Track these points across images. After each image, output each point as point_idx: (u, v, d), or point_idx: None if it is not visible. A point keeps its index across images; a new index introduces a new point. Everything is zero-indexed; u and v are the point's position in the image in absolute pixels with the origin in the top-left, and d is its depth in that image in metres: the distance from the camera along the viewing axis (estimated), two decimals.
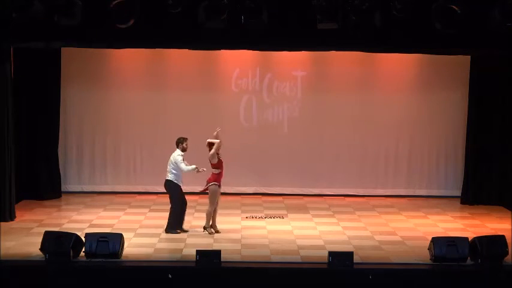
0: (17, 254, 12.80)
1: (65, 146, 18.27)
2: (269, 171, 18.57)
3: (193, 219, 15.52)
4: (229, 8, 12.59)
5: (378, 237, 14.41)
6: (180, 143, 14.41)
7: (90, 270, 12.10)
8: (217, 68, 18.39)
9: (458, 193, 18.15)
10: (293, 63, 18.24)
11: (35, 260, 12.40)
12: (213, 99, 18.43)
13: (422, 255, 12.90)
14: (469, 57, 17.40)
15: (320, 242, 13.98)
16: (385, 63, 18.24)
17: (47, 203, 17.16)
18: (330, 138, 18.56)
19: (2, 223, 14.30)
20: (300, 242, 13.97)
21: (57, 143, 17.82)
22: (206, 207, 14.56)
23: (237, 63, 18.32)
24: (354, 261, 12.21)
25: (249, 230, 14.90)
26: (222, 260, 12.16)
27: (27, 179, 17.18)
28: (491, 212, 17.03)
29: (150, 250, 13.25)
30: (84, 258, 12.32)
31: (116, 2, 12.49)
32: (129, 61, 18.19)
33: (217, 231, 14.41)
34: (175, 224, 14.37)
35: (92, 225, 14.93)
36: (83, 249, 12.35)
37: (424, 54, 17.41)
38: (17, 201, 16.11)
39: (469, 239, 12.69)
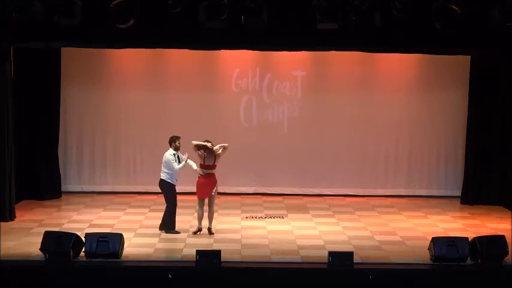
0: (17, 254, 12.80)
1: (65, 146, 18.27)
2: (269, 171, 18.57)
3: (193, 219, 15.51)
4: (229, 8, 12.59)
5: (377, 237, 14.41)
6: (173, 141, 14.41)
7: (90, 270, 12.10)
8: (217, 68, 18.39)
9: (458, 193, 18.15)
10: (293, 63, 18.24)
11: (35, 260, 12.40)
12: (213, 99, 18.43)
13: (422, 255, 12.90)
14: (469, 57, 17.40)
15: (320, 242, 13.98)
16: (385, 63, 18.23)
17: (47, 203, 17.16)
18: (330, 138, 18.56)
19: (2, 223, 14.30)
20: (300, 242, 13.97)
21: (57, 143, 17.82)
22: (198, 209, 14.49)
23: (237, 63, 18.32)
24: (354, 261, 12.21)
25: (249, 230, 14.90)
26: (222, 260, 12.17)
27: (27, 179, 17.18)
28: (491, 212, 17.03)
29: (150, 250, 13.25)
30: (84, 258, 12.33)
31: (116, 2, 12.49)
32: (129, 61, 18.19)
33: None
34: (172, 224, 14.37)
35: (92, 225, 14.93)
36: (83, 249, 12.36)
37: (424, 54, 17.41)
38: (17, 201, 16.11)
39: (469, 239, 12.69)
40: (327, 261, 12.23)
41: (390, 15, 12.78)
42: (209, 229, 14.40)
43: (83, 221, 15.39)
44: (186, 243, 13.67)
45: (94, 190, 18.42)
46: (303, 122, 18.53)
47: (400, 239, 14.37)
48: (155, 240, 13.93)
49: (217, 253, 12.24)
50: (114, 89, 18.34)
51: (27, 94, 17.16)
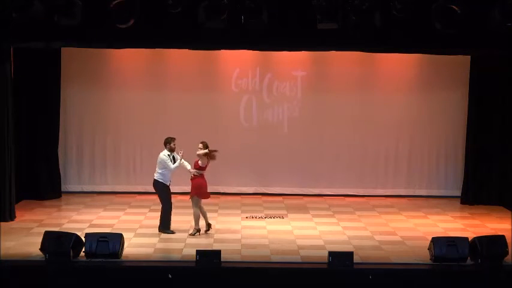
0: (17, 254, 12.80)
1: (65, 146, 18.27)
2: (269, 171, 18.57)
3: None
4: (229, 8, 12.59)
5: (377, 237, 14.41)
6: (168, 143, 14.42)
7: (90, 270, 12.10)
8: (217, 68, 18.39)
9: (458, 193, 18.15)
10: (293, 63, 18.24)
11: (35, 260, 12.40)
12: (213, 99, 18.43)
13: (422, 255, 12.90)
14: (469, 57, 17.40)
15: (320, 242, 13.98)
16: (385, 63, 18.23)
17: (47, 203, 17.16)
18: (330, 138, 18.56)
19: (2, 223, 14.31)
20: (300, 242, 13.97)
21: (57, 143, 17.82)
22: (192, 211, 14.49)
23: (237, 63, 18.31)
24: (354, 261, 12.21)
25: (249, 230, 14.90)
26: (222, 260, 12.17)
27: (27, 179, 17.18)
28: (491, 212, 17.03)
29: (150, 250, 13.25)
30: (84, 258, 12.33)
31: (116, 2, 12.49)
32: (129, 61, 18.19)
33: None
34: (167, 224, 14.39)
35: (92, 225, 14.93)
36: (83, 249, 12.36)
37: (424, 54, 17.42)
38: (17, 201, 16.11)
39: (469, 239, 12.69)
40: (327, 261, 12.23)
41: (390, 15, 12.78)
42: (210, 224, 14.40)
43: (83, 221, 15.40)
44: (186, 243, 13.67)
45: (94, 190, 18.42)
46: (303, 122, 18.53)
47: (400, 239, 14.37)
48: (155, 240, 13.93)
49: (217, 253, 12.24)
50: (114, 89, 18.34)
51: (27, 94, 17.16)
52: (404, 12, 12.68)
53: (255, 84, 18.49)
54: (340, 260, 12.18)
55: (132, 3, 12.57)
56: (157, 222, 14.54)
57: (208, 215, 16.01)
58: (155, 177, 14.41)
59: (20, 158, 16.72)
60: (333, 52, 16.21)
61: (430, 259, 12.60)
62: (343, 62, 18.14)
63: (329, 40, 13.45)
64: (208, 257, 12.16)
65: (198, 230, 14.27)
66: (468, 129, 17.92)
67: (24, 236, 13.98)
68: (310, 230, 15.10)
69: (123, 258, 12.53)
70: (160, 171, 14.36)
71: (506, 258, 12.54)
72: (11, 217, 15.22)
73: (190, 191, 14.36)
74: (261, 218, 16.04)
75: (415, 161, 18.61)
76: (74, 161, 18.44)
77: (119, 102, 18.33)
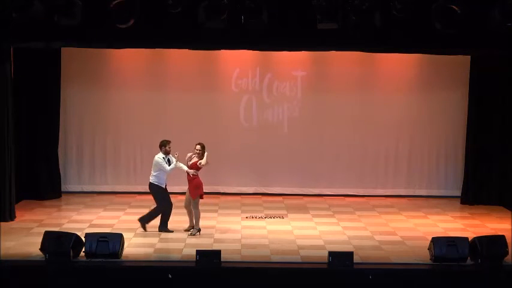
0: (17, 254, 12.80)
1: (65, 146, 18.27)
2: (269, 171, 18.57)
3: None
4: (229, 8, 12.59)
5: (378, 237, 14.41)
6: (163, 145, 14.43)
7: (90, 270, 12.10)
8: (217, 68, 18.39)
9: (458, 193, 18.15)
10: (293, 63, 18.24)
11: (35, 260, 12.40)
12: (213, 99, 18.42)
13: (422, 255, 12.90)
14: (469, 57, 17.40)
15: (320, 242, 13.98)
16: (385, 63, 18.23)
17: (47, 203, 17.16)
18: (330, 138, 18.56)
19: (2, 223, 14.31)
20: (300, 242, 13.97)
21: (57, 143, 17.82)
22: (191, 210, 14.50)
23: (237, 63, 18.31)
24: (354, 261, 12.21)
25: (249, 230, 14.90)
26: (222, 260, 12.17)
27: (27, 179, 17.18)
28: (491, 212, 17.03)
29: (150, 250, 13.25)
30: (84, 258, 12.33)
31: (116, 2, 12.49)
32: (129, 61, 18.18)
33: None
34: (148, 221, 14.43)
35: (92, 225, 14.93)
36: (83, 249, 12.35)
37: (424, 54, 17.41)
38: (17, 201, 16.11)
39: (469, 239, 12.69)
40: (327, 261, 12.23)
41: (390, 15, 12.78)
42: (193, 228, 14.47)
43: (83, 221, 15.40)
44: (186, 243, 13.67)
45: (94, 190, 18.42)
46: (303, 122, 18.53)
47: (400, 239, 14.37)
48: (155, 240, 13.93)
49: (217, 253, 12.24)
50: (114, 89, 18.34)
51: (27, 94, 17.15)
52: (404, 12, 12.68)
53: (255, 84, 18.49)
54: (340, 260, 12.18)
55: (132, 3, 12.56)
56: (157, 222, 14.54)
57: (208, 215, 16.07)
58: (150, 180, 14.46)
59: (20, 158, 16.72)
60: (333, 52, 16.21)
61: (430, 259, 12.60)
62: (343, 62, 18.14)
63: (329, 40, 13.44)
64: (208, 257, 12.15)
65: (199, 230, 14.27)
66: (468, 129, 17.92)
67: (24, 236, 13.98)
68: (310, 230, 15.10)
69: (123, 258, 12.53)
70: (155, 173, 14.40)
71: (506, 258, 12.54)
72: (11, 217, 15.22)
73: (190, 191, 14.34)
74: (261, 218, 16.04)
75: (415, 161, 18.61)
76: (74, 161, 18.44)
77: (119, 102, 18.32)
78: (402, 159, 18.61)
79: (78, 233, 12.75)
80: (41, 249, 12.33)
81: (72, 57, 17.66)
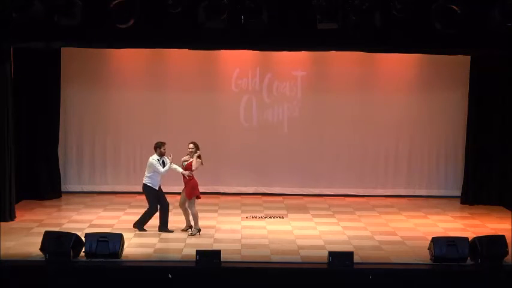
0: (17, 254, 12.80)
1: (65, 146, 18.27)
2: (269, 171, 18.57)
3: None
4: (229, 8, 12.59)
5: (378, 237, 14.41)
6: (158, 147, 14.45)
7: (90, 270, 12.10)
8: (217, 68, 18.39)
9: (458, 193, 18.15)
10: (293, 63, 18.24)
11: (35, 260, 12.40)
12: (213, 99, 18.42)
13: (422, 255, 12.90)
14: (469, 57, 17.40)
15: (320, 242, 13.98)
16: (385, 63, 18.23)
17: (47, 203, 17.16)
18: (330, 138, 18.56)
19: (2, 223, 14.30)
20: (300, 242, 13.97)
21: (57, 143, 17.82)
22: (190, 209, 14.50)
23: (237, 63, 18.31)
24: (354, 261, 12.21)
25: (249, 230, 14.90)
26: (222, 260, 12.17)
27: (27, 179, 17.18)
28: (491, 212, 17.03)
29: (150, 250, 13.25)
30: (84, 258, 12.33)
31: (116, 2, 12.48)
32: (129, 61, 18.19)
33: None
34: (144, 222, 14.42)
35: (92, 225, 14.93)
36: (83, 249, 12.35)
37: (424, 54, 17.41)
38: (17, 201, 16.11)
39: (469, 239, 12.69)
40: (327, 261, 12.23)
41: (390, 15, 12.77)
42: (191, 226, 14.46)
43: (83, 221, 15.40)
44: (186, 243, 13.67)
45: (94, 190, 18.42)
46: (303, 122, 18.53)
47: (400, 239, 14.37)
48: (155, 240, 13.92)
49: (217, 253, 12.24)
50: (114, 89, 18.34)
51: (27, 94, 17.15)
52: (404, 12, 12.68)
53: (255, 84, 18.49)
54: (340, 260, 12.18)
55: (132, 3, 12.56)
56: (157, 222, 14.54)
57: (209, 215, 16.08)
58: (144, 181, 14.50)
59: (20, 158, 16.72)
60: (333, 52, 16.22)
61: (430, 259, 12.59)
62: (343, 62, 18.14)
63: (329, 40, 13.44)
64: (208, 257, 12.15)
65: (199, 230, 14.27)
66: (468, 129, 17.92)
67: (24, 236, 13.98)
68: (310, 230, 15.10)
69: (123, 258, 12.53)
70: (149, 174, 14.43)
71: (506, 258, 12.54)
72: (11, 217, 15.22)
73: (186, 192, 14.33)
74: (261, 218, 16.04)
75: (415, 161, 18.61)
76: (74, 161, 18.44)
77: (119, 102, 18.33)
78: (402, 159, 18.61)
79: (78, 233, 12.75)
80: (41, 249, 12.33)
81: (72, 57, 17.66)
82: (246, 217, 16.13)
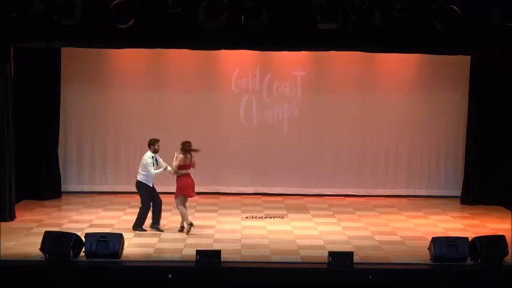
0: (17, 254, 12.80)
1: (65, 146, 18.27)
2: (269, 171, 18.57)
3: (194, 219, 15.52)
4: (229, 8, 12.59)
5: (378, 237, 14.41)
6: (152, 144, 14.48)
7: (90, 270, 12.10)
8: (217, 68, 18.39)
9: (458, 193, 18.15)
10: (293, 63, 18.24)
11: (35, 260, 12.40)
12: (213, 99, 18.42)
13: (422, 255, 12.90)
14: (469, 57, 17.40)
15: (320, 242, 13.98)
16: (385, 63, 18.23)
17: (47, 203, 17.16)
18: (330, 138, 18.56)
19: (2, 223, 14.31)
20: (300, 242, 13.97)
21: (57, 143, 17.82)
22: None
23: (237, 63, 18.31)
24: (354, 261, 12.21)
25: (249, 230, 14.90)
26: (222, 260, 12.17)
27: (27, 179, 17.18)
28: (491, 212, 17.03)
29: (150, 250, 13.25)
30: (84, 258, 12.33)
31: (116, 2, 12.49)
32: (129, 61, 18.18)
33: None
34: (142, 222, 14.44)
35: (92, 225, 14.93)
36: (83, 249, 12.36)
37: (424, 54, 17.41)
38: (17, 201, 16.11)
39: (469, 239, 12.69)
40: (327, 261, 12.24)
41: (390, 15, 12.77)
42: (184, 227, 14.45)
43: (83, 221, 15.40)
44: (186, 243, 13.67)
45: (94, 190, 18.42)
46: (303, 122, 18.53)
47: (400, 239, 14.37)
48: (155, 240, 13.93)
49: (217, 253, 12.24)
50: (114, 89, 18.34)
51: (27, 94, 17.15)
52: (404, 12, 12.68)
53: (255, 84, 18.49)
54: (340, 260, 12.18)
55: (132, 3, 12.56)
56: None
57: (209, 214, 16.08)
58: (139, 179, 14.53)
59: (20, 158, 16.72)
60: (333, 52, 16.22)
61: (430, 259, 12.60)
62: (343, 62, 18.14)
63: (329, 40, 13.44)
64: (208, 257, 12.16)
65: (190, 225, 14.26)
66: (468, 129, 17.92)
67: (24, 236, 13.98)
68: (310, 230, 15.10)
69: (123, 258, 12.53)
70: (143, 172, 14.47)
71: (506, 258, 12.54)
72: (11, 217, 15.22)
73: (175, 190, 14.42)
74: (261, 218, 16.04)
75: (415, 161, 18.61)
76: (74, 161, 18.44)
77: (119, 102, 18.32)
78: (402, 159, 18.61)
79: (78, 233, 12.75)
80: (41, 249, 12.33)
81: (72, 57, 17.66)
82: (246, 217, 16.12)
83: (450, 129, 18.49)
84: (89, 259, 12.28)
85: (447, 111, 18.41)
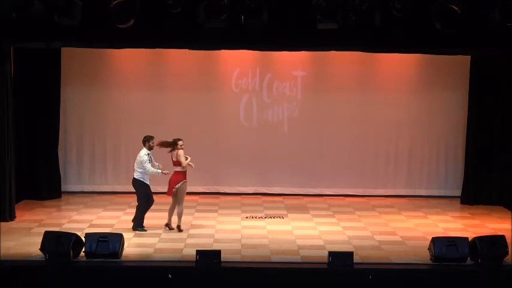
0: (17, 254, 12.80)
1: (65, 146, 18.27)
2: (269, 171, 18.57)
3: (194, 219, 15.55)
4: (229, 8, 12.59)
5: (377, 237, 14.41)
6: (147, 141, 14.53)
7: (90, 270, 12.10)
8: (217, 68, 18.38)
9: (458, 193, 18.15)
10: (293, 63, 18.24)
11: (35, 260, 12.40)
12: (213, 99, 18.42)
13: (422, 255, 12.90)
14: (469, 57, 17.40)
15: (320, 242, 13.98)
16: (385, 63, 18.23)
17: (47, 203, 17.16)
18: (330, 138, 18.56)
19: (2, 223, 14.31)
20: (300, 242, 13.97)
21: (57, 143, 17.82)
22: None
23: (237, 63, 18.31)
24: (354, 261, 12.22)
25: (249, 230, 14.90)
26: (222, 260, 12.17)
27: (27, 179, 17.17)
28: (491, 212, 17.03)
29: (150, 250, 13.25)
30: (84, 258, 12.33)
31: (116, 2, 12.49)
32: (129, 61, 18.18)
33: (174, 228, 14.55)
34: (141, 221, 14.46)
35: (92, 225, 14.94)
36: (83, 249, 12.36)
37: (424, 54, 17.41)
38: (17, 201, 16.11)
39: (469, 239, 12.69)
40: (327, 261, 12.24)
41: (390, 15, 12.77)
42: (178, 226, 14.48)
43: (83, 221, 15.40)
44: (186, 243, 13.68)
45: (94, 190, 18.42)
46: (303, 122, 18.52)
47: (400, 239, 14.37)
48: (155, 240, 13.93)
49: (217, 253, 12.25)
50: (114, 89, 18.33)
51: (27, 94, 17.14)
52: (404, 12, 12.68)
53: (255, 84, 18.49)
54: (340, 260, 12.18)
55: (132, 3, 12.56)
56: (157, 222, 14.59)
57: (209, 214, 16.08)
58: (135, 176, 14.54)
59: (20, 158, 16.71)
60: (333, 52, 16.21)
61: (430, 259, 12.60)
62: (343, 62, 18.13)
63: (329, 40, 13.44)
64: (208, 257, 12.16)
65: (168, 225, 14.36)
66: (468, 129, 17.92)
67: (24, 236, 13.98)
68: (310, 230, 15.10)
69: (123, 258, 12.53)
70: (140, 170, 14.49)
71: (506, 258, 12.54)
72: (11, 217, 15.22)
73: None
74: (261, 218, 16.04)
75: (415, 161, 18.61)
76: (74, 161, 18.44)
77: (119, 102, 18.32)
78: (402, 159, 18.61)
79: (78, 233, 12.75)
80: (41, 249, 12.33)
81: (72, 57, 17.66)
82: (246, 217, 16.12)
83: (450, 129, 18.49)
84: (89, 259, 12.28)
85: (447, 111, 18.41)
